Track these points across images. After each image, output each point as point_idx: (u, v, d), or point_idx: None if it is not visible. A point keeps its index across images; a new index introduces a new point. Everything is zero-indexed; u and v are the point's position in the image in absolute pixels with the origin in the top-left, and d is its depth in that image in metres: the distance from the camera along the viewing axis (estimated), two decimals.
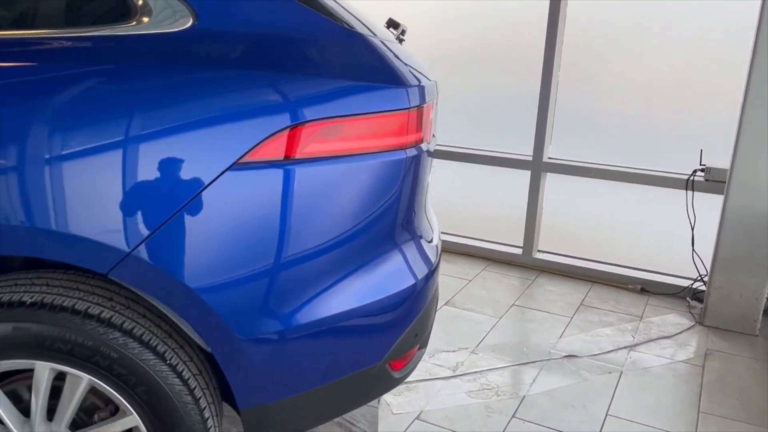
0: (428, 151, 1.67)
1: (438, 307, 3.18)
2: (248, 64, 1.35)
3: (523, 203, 3.79)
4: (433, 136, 1.80)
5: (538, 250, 3.85)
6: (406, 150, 1.53)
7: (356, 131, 1.42)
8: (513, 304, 3.30)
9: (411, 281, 1.63)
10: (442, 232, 4.06)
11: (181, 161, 1.27)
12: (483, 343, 2.88)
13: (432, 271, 1.73)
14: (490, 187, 4.04)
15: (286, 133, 1.33)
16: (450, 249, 4.01)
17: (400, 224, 1.59)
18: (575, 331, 3.04)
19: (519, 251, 3.84)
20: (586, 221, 3.82)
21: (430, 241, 1.81)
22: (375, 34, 1.62)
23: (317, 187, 1.38)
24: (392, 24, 1.94)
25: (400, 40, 1.76)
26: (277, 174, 1.33)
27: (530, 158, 3.70)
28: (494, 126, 3.95)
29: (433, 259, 1.76)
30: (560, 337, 2.97)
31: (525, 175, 3.75)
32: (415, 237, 1.69)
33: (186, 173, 1.28)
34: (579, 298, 3.41)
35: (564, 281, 3.63)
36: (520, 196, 3.81)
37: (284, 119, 1.33)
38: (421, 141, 1.58)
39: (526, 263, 3.81)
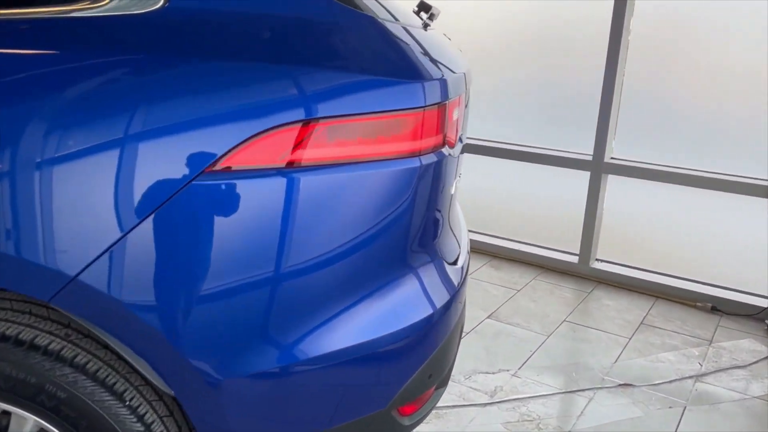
0: (452, 156, 1.41)
1: (480, 320, 2.91)
2: (223, 53, 1.12)
3: (581, 206, 3.45)
4: (460, 140, 1.52)
5: (596, 259, 3.51)
6: (422, 156, 1.27)
7: (357, 135, 1.17)
8: (564, 320, 2.99)
9: (427, 311, 1.37)
10: (489, 235, 3.78)
11: (135, 170, 1.06)
12: (527, 365, 2.59)
13: (453, 298, 1.47)
14: (545, 187, 3.71)
15: (265, 137, 1.09)
16: (498, 254, 3.71)
17: (414, 245, 1.34)
18: (633, 354, 2.71)
19: (575, 259, 3.51)
20: (652, 228, 3.45)
21: (454, 262, 1.55)
22: (396, 19, 1.37)
23: (306, 202, 1.14)
24: (423, 7, 1.68)
25: (426, 26, 1.50)
26: (254, 186, 1.10)
27: (590, 158, 3.36)
28: (552, 122, 3.62)
29: (456, 282, 1.50)
30: (616, 361, 2.65)
31: (584, 176, 3.41)
32: (436, 258, 1.43)
33: (142, 184, 1.06)
34: (639, 316, 3.06)
35: (623, 295, 3.28)
36: (578, 197, 3.47)
37: (263, 121, 1.09)
38: (441, 145, 1.32)
39: (581, 273, 3.48)
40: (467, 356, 2.61)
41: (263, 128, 1.09)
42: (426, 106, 1.25)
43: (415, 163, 1.25)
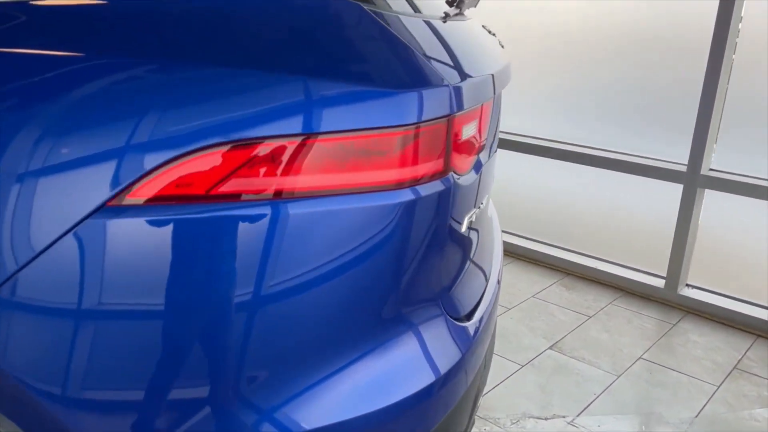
0: (462, 185, 1.10)
1: (540, 350, 2.56)
2: (135, 49, 0.87)
3: (671, 221, 2.99)
4: (479, 161, 1.20)
5: (687, 284, 3.05)
6: (414, 187, 0.97)
7: (318, 160, 0.89)
8: (640, 357, 2.58)
9: (426, 380, 1.08)
10: (562, 248, 3.39)
11: (15, 201, 0.83)
12: (588, 411, 2.22)
13: (465, 357, 1.17)
14: (630, 197, 3.27)
15: (184, 163, 0.84)
16: (572, 271, 3.31)
17: (408, 298, 1.05)
18: (721, 407, 2.28)
19: (660, 283, 3.06)
20: (757, 252, 2.94)
21: (473, 311, 1.25)
22: (417, 9, 1.11)
23: (246, 245, 0.87)
24: None
25: (446, 17, 1.19)
26: (166, 224, 0.84)
27: (684, 168, 2.90)
28: (639, 123, 3.17)
29: (470, 335, 1.19)
30: (697, 414, 2.23)
31: (676, 188, 2.95)
32: (443, 313, 1.13)
33: (25, 220, 0.83)
34: (734, 358, 2.60)
35: (717, 330, 2.82)
36: (670, 210, 3.02)
37: (182, 144, 0.83)
38: (443, 172, 1.02)
39: (668, 300, 3.03)
40: (517, 395, 2.28)
41: (182, 152, 0.83)
42: (420, 123, 0.95)
43: (400, 196, 0.96)
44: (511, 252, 3.51)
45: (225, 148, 0.84)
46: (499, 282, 1.53)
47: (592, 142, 3.27)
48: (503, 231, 3.62)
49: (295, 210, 0.89)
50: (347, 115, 0.89)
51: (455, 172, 1.06)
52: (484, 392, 2.27)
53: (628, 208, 3.27)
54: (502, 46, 1.47)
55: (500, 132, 3.47)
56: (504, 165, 3.63)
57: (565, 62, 3.35)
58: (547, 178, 3.52)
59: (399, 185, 0.95)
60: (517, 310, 2.91)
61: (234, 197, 0.86)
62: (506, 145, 3.47)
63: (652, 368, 2.50)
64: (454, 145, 1.04)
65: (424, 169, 0.98)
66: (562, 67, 3.36)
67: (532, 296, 3.05)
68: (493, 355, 2.53)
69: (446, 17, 1.19)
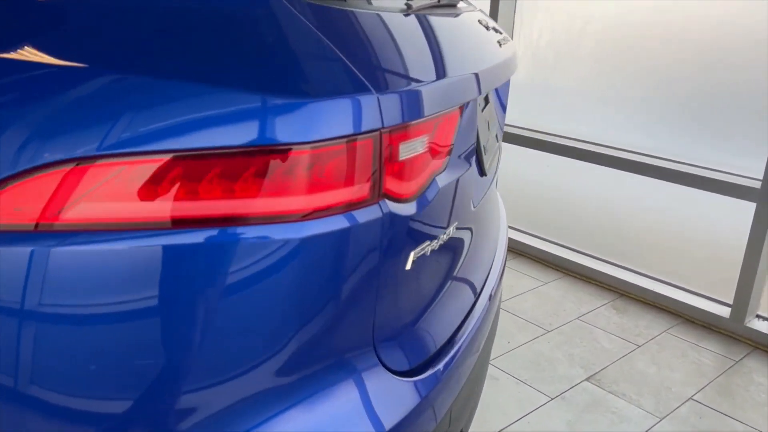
0: (402, 215, 0.91)
1: (575, 381, 2.31)
2: None
3: (742, 241, 2.65)
4: (433, 182, 1.00)
5: (757, 315, 2.69)
6: (333, 217, 0.80)
7: (202, 179, 0.73)
8: (691, 398, 2.27)
9: None
10: (618, 266, 3.08)
11: None
12: None
13: (421, 406, 0.99)
14: (696, 212, 2.93)
15: (26, 182, 0.70)
16: (626, 291, 3.00)
17: (313, 353, 0.87)
18: None
19: (726, 312, 2.71)
20: None
21: (430, 361, 1.05)
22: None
23: (82, 283, 0.72)
24: None
25: (408, 8, 1.00)
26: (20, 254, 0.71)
27: (758, 185, 2.55)
28: (709, 132, 2.82)
29: (423, 389, 1.01)
30: None
31: (748, 206, 2.61)
32: (378, 363, 0.95)
33: None
34: None
35: None
36: (740, 229, 2.67)
37: (20, 161, 0.69)
38: (370, 198, 0.83)
39: (732, 332, 2.68)
40: None
41: (18, 171, 0.69)
42: (333, 140, 0.77)
43: (304, 230, 0.78)
44: (561, 266, 3.23)
45: (67, 168, 0.69)
46: (491, 298, 1.33)
47: (655, 151, 2.95)
48: (553, 242, 3.35)
49: (167, 243, 0.73)
50: (233, 130, 0.72)
51: (391, 199, 0.87)
52: (503, 427, 2.05)
53: (694, 225, 2.94)
54: (500, 43, 1.26)
55: (566, 139, 3.21)
56: (558, 173, 3.36)
57: (635, 69, 3.05)
58: (605, 188, 3.22)
59: (303, 215, 0.78)
60: (557, 332, 2.65)
61: (83, 226, 0.71)
62: (567, 152, 3.20)
63: (703, 412, 2.20)
64: (389, 166, 0.85)
65: (342, 195, 0.80)
66: (633, 74, 3.06)
67: (577, 318, 2.78)
68: (521, 384, 2.30)
69: (408, 9, 1.00)
